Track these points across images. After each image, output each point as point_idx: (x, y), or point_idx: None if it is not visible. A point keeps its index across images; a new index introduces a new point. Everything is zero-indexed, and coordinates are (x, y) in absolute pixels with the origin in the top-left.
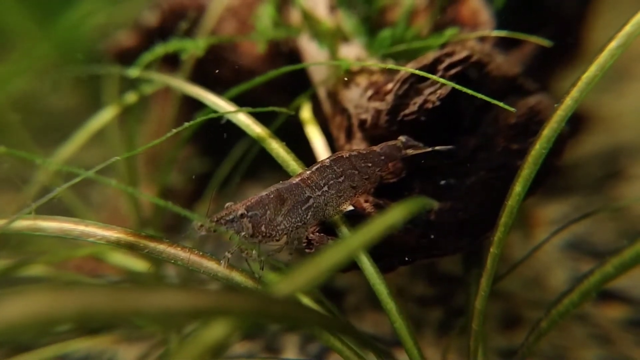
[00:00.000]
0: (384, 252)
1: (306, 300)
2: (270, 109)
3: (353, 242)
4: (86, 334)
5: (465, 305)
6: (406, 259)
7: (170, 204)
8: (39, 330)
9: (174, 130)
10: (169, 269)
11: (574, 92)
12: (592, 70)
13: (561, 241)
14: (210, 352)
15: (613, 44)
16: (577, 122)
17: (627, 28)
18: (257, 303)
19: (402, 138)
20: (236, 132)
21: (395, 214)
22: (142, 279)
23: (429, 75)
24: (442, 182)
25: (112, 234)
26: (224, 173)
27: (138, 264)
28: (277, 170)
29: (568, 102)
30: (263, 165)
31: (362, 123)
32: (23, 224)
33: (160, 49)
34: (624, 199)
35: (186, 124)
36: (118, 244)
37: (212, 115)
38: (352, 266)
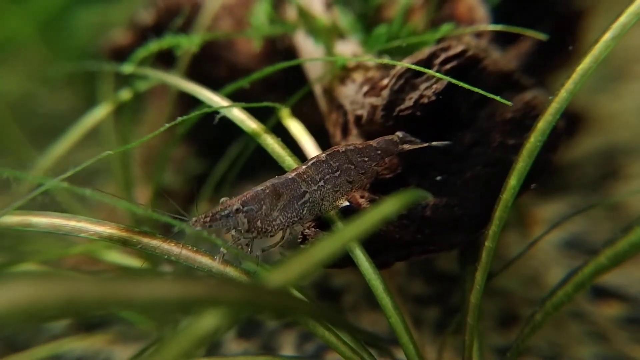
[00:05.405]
0: (380, 248)
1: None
2: (265, 104)
3: (347, 233)
4: (82, 332)
5: (462, 303)
6: (401, 254)
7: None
8: (27, 320)
9: (167, 125)
10: (166, 268)
11: (569, 84)
12: (587, 62)
13: (558, 240)
14: (202, 343)
15: (607, 35)
16: (573, 122)
17: (622, 19)
18: (248, 293)
19: (399, 133)
20: (233, 131)
21: (390, 206)
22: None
23: (425, 70)
24: (438, 178)
25: (105, 229)
26: (220, 173)
27: (135, 263)
28: (274, 170)
29: (563, 94)
30: (260, 165)
31: (358, 119)
32: (14, 219)
33: (154, 45)
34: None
35: (180, 119)
36: (111, 240)
37: (207, 110)
38: (348, 262)
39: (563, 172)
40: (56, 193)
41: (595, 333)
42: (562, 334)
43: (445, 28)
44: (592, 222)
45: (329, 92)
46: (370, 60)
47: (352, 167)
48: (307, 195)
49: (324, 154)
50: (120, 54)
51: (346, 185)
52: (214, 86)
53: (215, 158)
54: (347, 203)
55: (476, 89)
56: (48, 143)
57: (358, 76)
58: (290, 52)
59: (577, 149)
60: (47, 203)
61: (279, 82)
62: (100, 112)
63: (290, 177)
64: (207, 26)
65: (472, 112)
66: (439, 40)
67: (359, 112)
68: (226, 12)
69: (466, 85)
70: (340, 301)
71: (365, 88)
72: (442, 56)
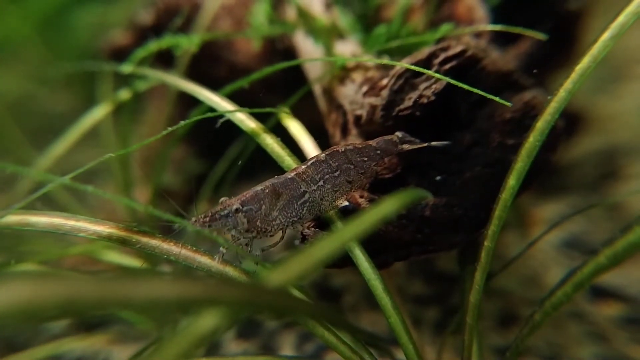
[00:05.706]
0: (379, 248)
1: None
2: (267, 110)
3: (346, 233)
4: (81, 332)
5: (461, 303)
6: (401, 254)
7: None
8: (26, 320)
9: (169, 129)
10: (165, 268)
11: (568, 84)
12: (585, 61)
13: (558, 240)
14: (201, 343)
15: (606, 35)
16: (573, 122)
17: (620, 18)
18: (247, 293)
19: (398, 133)
20: (232, 132)
21: (389, 205)
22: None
23: (424, 70)
24: (438, 178)
25: (104, 229)
26: (220, 173)
27: (135, 263)
28: (274, 170)
29: (561, 94)
30: (259, 165)
31: (357, 119)
32: (13, 219)
33: (153, 45)
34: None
35: (182, 123)
36: (110, 239)
37: (209, 115)
38: (347, 262)
39: (563, 172)
40: (56, 195)
41: (594, 333)
42: (561, 334)
43: (445, 28)
44: (592, 222)
45: (329, 92)
46: (370, 60)
47: (352, 167)
48: (307, 195)
49: (323, 154)
50: (120, 54)
51: (345, 185)
52: (214, 86)
53: (215, 158)
54: (346, 203)
55: (475, 90)
56: (47, 143)
57: (357, 76)
58: (290, 52)
59: (577, 149)
60: (47, 206)
61: (279, 82)
62: (100, 112)
63: (289, 177)
64: (207, 26)
65: (471, 112)
66: (439, 40)
67: (359, 112)
68: (226, 12)
69: (465, 86)
70: (340, 301)
71: (365, 88)
72: (442, 56)
